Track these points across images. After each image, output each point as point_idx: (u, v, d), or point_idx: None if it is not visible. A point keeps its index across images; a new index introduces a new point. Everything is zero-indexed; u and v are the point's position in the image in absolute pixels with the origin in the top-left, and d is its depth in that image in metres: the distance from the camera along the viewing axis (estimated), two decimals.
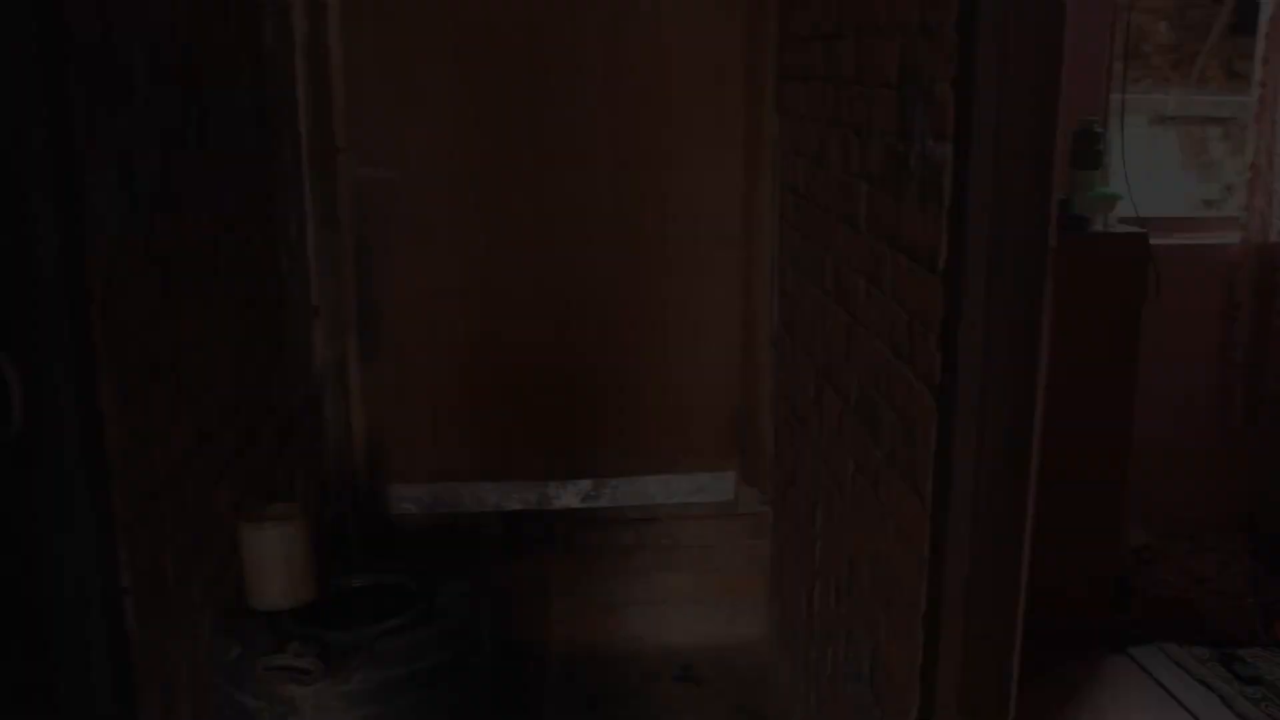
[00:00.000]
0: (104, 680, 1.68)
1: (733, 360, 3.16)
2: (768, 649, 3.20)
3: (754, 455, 3.17)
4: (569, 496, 3.18)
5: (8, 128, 1.48)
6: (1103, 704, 2.94)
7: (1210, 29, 7.27)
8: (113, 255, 1.69)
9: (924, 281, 1.74)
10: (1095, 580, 3.14)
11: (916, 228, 1.77)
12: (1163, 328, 3.36)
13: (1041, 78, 1.50)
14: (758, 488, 3.18)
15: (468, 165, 3.00)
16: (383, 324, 3.05)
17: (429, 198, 3.01)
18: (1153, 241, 2.99)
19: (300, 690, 1.97)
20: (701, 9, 2.96)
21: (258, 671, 1.99)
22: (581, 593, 3.21)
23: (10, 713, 1.60)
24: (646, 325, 3.11)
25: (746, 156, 3.04)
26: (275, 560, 2.12)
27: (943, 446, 1.67)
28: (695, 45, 2.97)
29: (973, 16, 1.51)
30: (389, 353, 3.06)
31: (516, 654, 3.17)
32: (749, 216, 3.07)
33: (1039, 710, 2.79)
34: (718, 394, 3.18)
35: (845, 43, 2.22)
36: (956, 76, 1.57)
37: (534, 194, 3.03)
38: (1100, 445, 3.03)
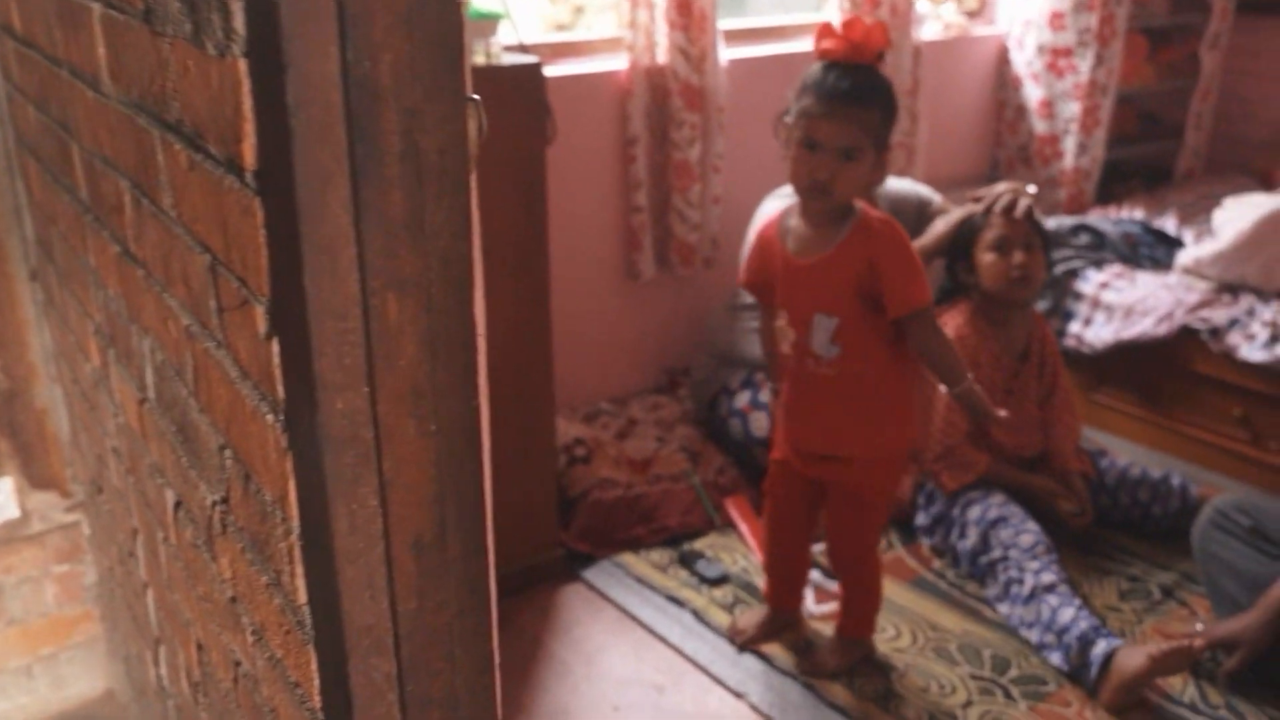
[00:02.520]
0: None
1: None
2: (121, 710, 2.23)
3: (39, 446, 2.09)
4: None
5: None
6: (563, 655, 2.36)
7: None
8: None
9: (223, 192, 0.86)
10: (536, 498, 2.53)
11: (195, 86, 0.87)
12: (560, 175, 2.75)
13: None
14: (56, 490, 2.12)
15: None
16: None
17: None
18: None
19: None
20: None
21: None
22: None
23: None
24: None
25: None
26: None
27: (312, 520, 0.83)
28: None
29: None
30: None
31: None
32: None
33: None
34: None
35: None
36: None
37: None
38: (520, 331, 2.36)
